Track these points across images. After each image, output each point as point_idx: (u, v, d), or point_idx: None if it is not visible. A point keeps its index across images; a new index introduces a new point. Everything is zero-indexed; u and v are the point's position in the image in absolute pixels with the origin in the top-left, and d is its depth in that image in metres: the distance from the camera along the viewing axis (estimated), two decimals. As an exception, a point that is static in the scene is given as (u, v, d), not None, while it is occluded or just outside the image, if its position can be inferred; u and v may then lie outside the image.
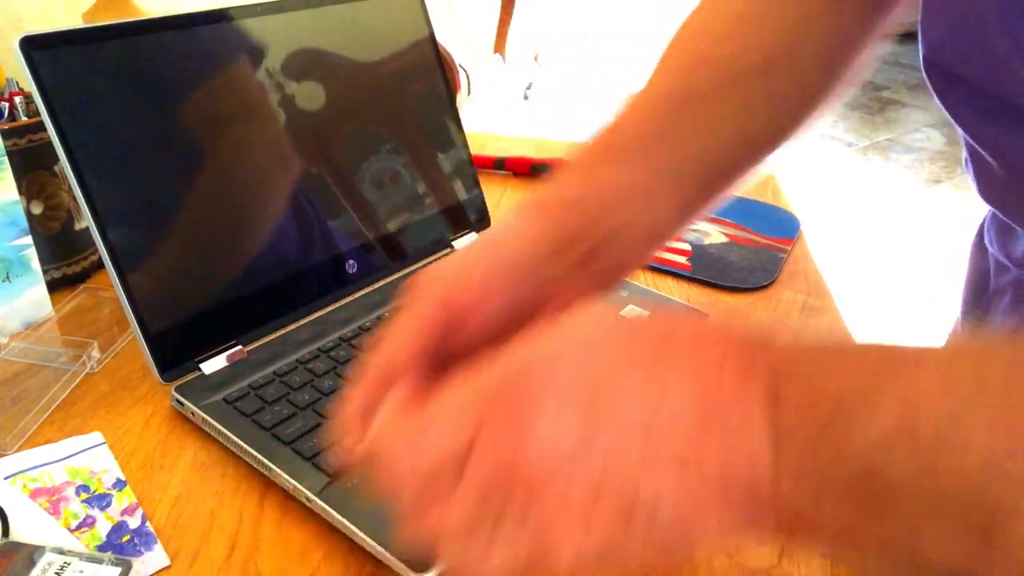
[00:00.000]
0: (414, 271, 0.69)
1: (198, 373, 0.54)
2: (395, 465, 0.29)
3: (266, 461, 0.47)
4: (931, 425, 0.23)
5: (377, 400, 0.33)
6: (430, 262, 0.70)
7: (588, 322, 0.30)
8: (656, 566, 0.40)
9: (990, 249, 0.57)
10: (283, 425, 0.50)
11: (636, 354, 0.28)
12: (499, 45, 2.33)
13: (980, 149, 0.44)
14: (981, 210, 0.60)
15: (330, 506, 0.44)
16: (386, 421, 0.31)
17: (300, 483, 0.46)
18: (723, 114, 0.43)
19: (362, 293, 0.65)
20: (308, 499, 0.45)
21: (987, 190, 0.48)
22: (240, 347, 0.57)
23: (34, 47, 0.48)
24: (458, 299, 0.36)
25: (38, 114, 0.49)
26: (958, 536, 0.23)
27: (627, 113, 0.43)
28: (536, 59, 2.80)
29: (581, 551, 0.26)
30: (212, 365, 0.55)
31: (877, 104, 3.79)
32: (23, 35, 0.48)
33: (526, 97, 2.69)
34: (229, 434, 0.49)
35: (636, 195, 0.41)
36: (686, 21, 0.46)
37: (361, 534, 0.43)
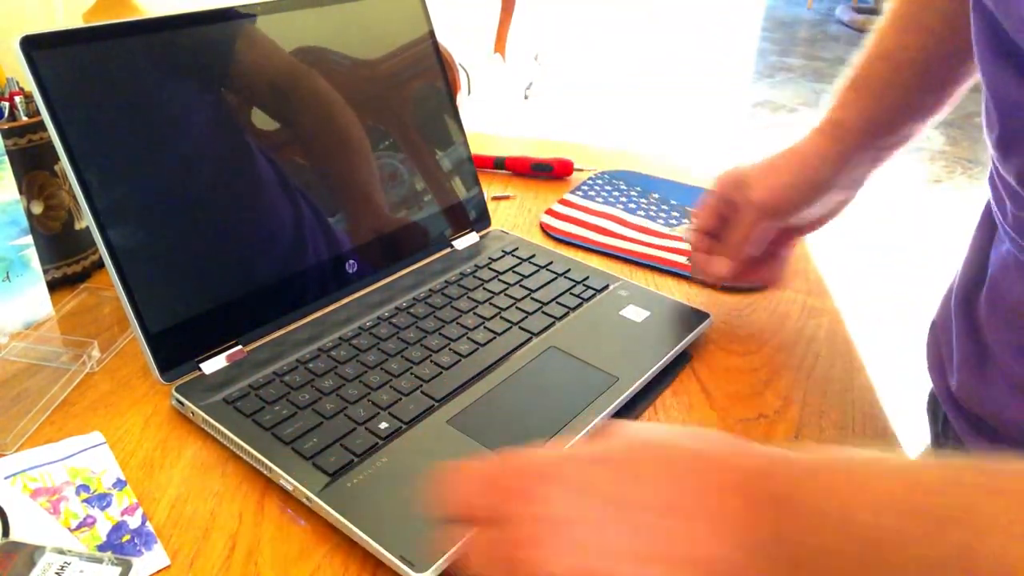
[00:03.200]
0: (414, 271, 0.69)
1: (198, 373, 0.55)
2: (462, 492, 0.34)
3: (266, 461, 0.47)
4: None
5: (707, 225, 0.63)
6: (430, 262, 0.70)
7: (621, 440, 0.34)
8: None
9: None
10: (283, 425, 0.50)
11: (651, 476, 0.31)
12: (499, 45, 2.33)
13: (984, 85, 0.48)
14: (983, 209, 0.59)
15: (330, 506, 0.44)
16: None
17: (300, 483, 0.46)
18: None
19: (362, 293, 0.65)
20: (308, 499, 0.45)
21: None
22: (240, 347, 0.57)
23: (34, 47, 0.48)
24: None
25: (38, 114, 0.50)
26: None
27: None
28: (536, 59, 2.80)
29: None
30: (212, 365, 0.55)
31: (877, 104, 3.78)
32: (23, 35, 0.48)
33: (526, 97, 2.69)
34: (229, 434, 0.49)
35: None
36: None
37: (361, 534, 0.43)
